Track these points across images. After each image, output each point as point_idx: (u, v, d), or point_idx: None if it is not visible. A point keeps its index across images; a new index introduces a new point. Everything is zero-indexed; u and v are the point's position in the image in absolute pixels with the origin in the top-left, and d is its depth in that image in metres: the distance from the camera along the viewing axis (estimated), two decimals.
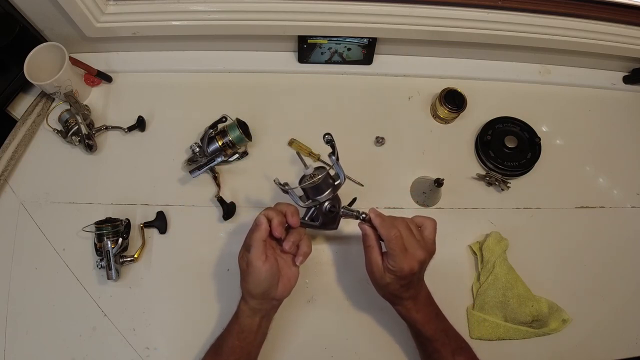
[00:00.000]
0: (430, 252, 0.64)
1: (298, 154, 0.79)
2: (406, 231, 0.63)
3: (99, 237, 0.74)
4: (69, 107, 0.82)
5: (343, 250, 0.81)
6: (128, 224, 0.78)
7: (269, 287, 0.63)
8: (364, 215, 0.66)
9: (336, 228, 0.70)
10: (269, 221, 0.63)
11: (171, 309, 0.76)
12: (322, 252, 0.80)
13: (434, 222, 0.66)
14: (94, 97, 0.90)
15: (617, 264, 0.83)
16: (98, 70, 0.88)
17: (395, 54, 0.95)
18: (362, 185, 0.83)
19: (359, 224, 0.67)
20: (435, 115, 0.91)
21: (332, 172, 0.68)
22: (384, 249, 0.64)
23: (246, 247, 0.65)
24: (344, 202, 0.77)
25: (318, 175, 0.65)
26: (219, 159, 0.79)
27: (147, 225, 0.79)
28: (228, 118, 0.81)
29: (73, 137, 0.81)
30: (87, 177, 0.83)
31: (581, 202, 0.87)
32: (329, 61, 0.93)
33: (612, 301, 0.80)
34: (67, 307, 0.75)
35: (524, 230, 0.83)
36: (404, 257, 0.61)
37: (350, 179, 0.84)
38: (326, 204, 0.66)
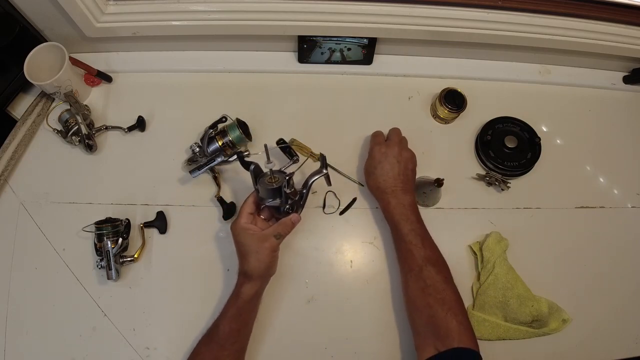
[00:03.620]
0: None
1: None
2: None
3: (99, 237, 0.74)
4: (69, 107, 0.82)
5: (342, 251, 0.81)
6: (128, 224, 0.78)
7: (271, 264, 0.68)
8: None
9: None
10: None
11: (171, 309, 0.76)
12: (322, 253, 0.80)
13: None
14: (94, 97, 0.90)
15: (617, 264, 0.83)
16: (98, 70, 0.88)
17: (395, 54, 0.95)
18: (362, 185, 0.84)
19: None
20: (435, 115, 0.91)
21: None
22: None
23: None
24: (343, 201, 0.80)
25: (276, 180, 0.69)
26: (219, 159, 0.79)
27: (147, 225, 0.79)
28: (228, 118, 0.81)
29: (73, 137, 0.81)
30: (87, 177, 0.83)
31: (581, 202, 0.87)
32: (329, 61, 0.93)
33: (612, 301, 0.80)
34: (67, 307, 0.75)
35: (524, 230, 0.83)
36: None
37: (349, 178, 0.84)
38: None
